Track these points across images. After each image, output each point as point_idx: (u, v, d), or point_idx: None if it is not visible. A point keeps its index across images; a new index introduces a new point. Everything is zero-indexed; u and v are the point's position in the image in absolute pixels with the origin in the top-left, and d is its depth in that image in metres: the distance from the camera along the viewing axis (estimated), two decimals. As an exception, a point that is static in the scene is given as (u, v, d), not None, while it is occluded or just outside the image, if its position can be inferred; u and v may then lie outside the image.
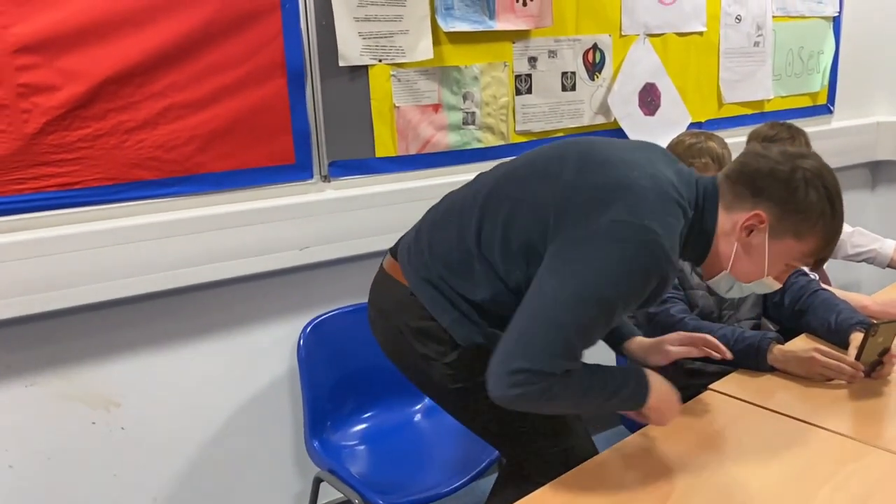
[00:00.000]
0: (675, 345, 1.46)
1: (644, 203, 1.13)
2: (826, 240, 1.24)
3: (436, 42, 2.02)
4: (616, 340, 1.52)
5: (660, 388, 1.25)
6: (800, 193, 1.20)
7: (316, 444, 1.80)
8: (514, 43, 2.18)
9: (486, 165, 2.13)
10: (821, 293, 1.75)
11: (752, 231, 1.22)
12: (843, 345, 1.59)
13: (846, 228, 2.17)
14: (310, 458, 1.82)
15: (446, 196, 1.43)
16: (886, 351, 1.51)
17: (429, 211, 1.44)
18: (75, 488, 1.73)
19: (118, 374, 1.75)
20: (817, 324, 1.70)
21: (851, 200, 2.08)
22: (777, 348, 1.55)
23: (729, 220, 1.24)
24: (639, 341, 1.50)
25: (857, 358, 1.50)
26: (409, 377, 1.43)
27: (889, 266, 2.21)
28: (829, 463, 1.22)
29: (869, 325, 1.56)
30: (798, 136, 2.09)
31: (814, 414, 1.35)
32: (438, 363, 1.31)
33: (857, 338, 1.56)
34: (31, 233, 1.57)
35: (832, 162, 2.45)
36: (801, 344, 1.66)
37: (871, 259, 2.21)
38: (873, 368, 1.51)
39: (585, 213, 1.14)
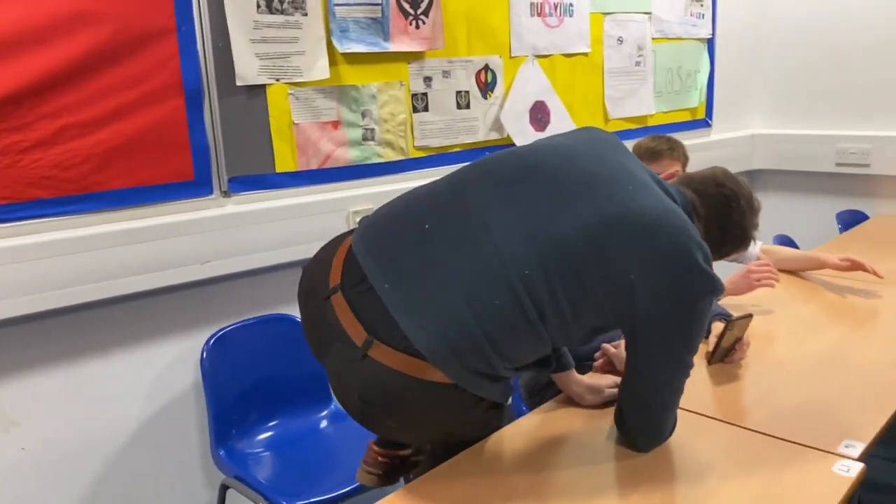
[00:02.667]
0: (612, 388, 1.51)
1: (703, 258, 1.23)
2: None
3: (333, 62, 2.12)
4: (556, 367, 1.49)
5: None
6: (749, 241, 1.43)
7: (221, 452, 1.84)
8: (409, 63, 2.30)
9: (388, 179, 2.29)
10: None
11: None
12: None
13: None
14: (216, 466, 1.87)
15: (431, 248, 1.20)
16: (739, 340, 1.70)
17: (415, 266, 1.19)
18: (-27, 511, 1.72)
19: (17, 393, 1.74)
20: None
21: None
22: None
23: None
24: (576, 378, 1.51)
25: (716, 345, 1.68)
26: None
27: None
28: (686, 439, 1.37)
29: (728, 318, 1.75)
30: (677, 147, 2.28)
31: (697, 401, 1.50)
32: (463, 422, 1.30)
33: (717, 327, 1.75)
34: (-78, 254, 1.56)
35: None
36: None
37: (740, 259, 2.43)
38: (727, 354, 1.70)
39: (672, 303, 1.22)
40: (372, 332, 1.16)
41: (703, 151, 3.04)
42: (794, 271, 2.38)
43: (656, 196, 1.26)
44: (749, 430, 1.40)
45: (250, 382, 1.97)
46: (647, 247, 1.20)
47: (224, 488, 1.83)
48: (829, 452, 1.29)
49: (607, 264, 1.19)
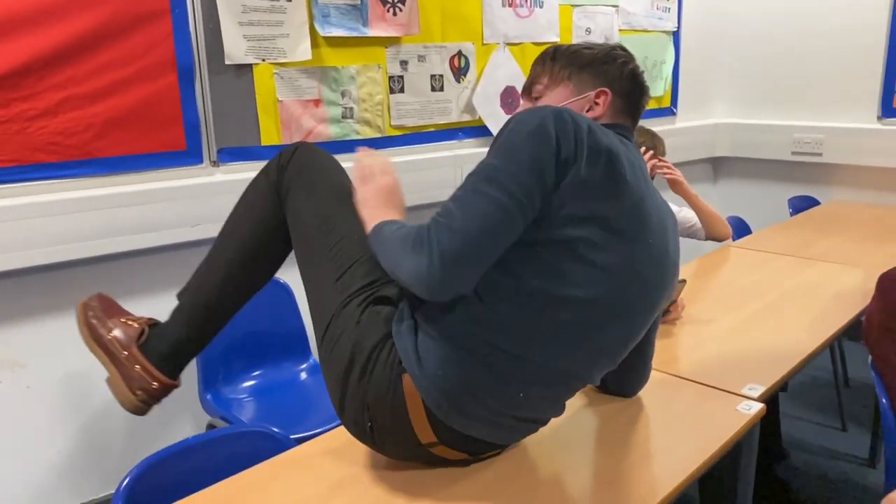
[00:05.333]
0: None
1: None
2: None
3: (315, 45, 2.29)
4: None
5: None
6: None
7: (208, 396, 2.03)
8: (386, 48, 2.48)
9: (365, 155, 2.45)
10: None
11: None
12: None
13: (675, 207, 2.58)
14: (203, 409, 2.05)
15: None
16: (673, 302, 1.90)
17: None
18: (-19, 445, 1.90)
19: (23, 338, 1.92)
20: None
21: (698, 191, 2.55)
22: None
23: None
24: None
25: (654, 307, 1.88)
26: None
27: (708, 239, 2.62)
28: (653, 398, 1.54)
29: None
30: (658, 141, 2.48)
31: None
32: None
33: (656, 292, 1.95)
34: (-61, 209, 1.74)
35: (678, 157, 2.90)
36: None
37: (694, 232, 2.60)
38: (664, 314, 1.90)
39: None
40: (477, 455, 1.22)
41: (668, 138, 3.20)
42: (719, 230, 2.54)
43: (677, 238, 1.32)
44: (672, 375, 1.59)
45: (236, 336, 2.14)
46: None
47: (210, 427, 2.02)
48: (734, 394, 1.49)
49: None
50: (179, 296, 1.46)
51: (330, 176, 1.35)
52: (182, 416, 2.23)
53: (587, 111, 1.28)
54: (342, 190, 1.33)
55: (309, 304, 1.27)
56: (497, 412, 1.14)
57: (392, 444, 1.17)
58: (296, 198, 1.33)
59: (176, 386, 1.41)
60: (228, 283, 1.42)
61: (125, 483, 1.19)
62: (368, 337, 1.14)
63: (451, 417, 1.12)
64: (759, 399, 1.46)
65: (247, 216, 1.40)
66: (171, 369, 1.40)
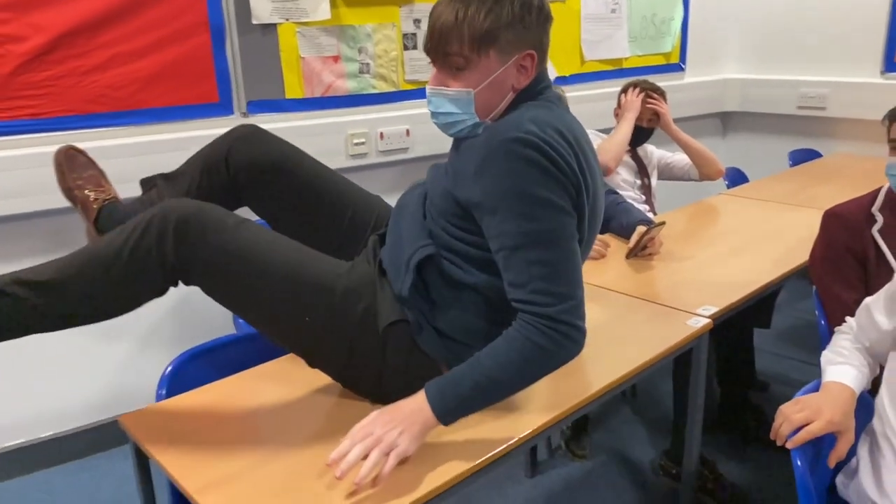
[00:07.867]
0: None
1: None
2: None
3: (334, 5, 2.50)
4: None
5: None
6: None
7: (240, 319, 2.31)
8: (400, 7, 2.68)
9: (381, 108, 2.69)
10: (622, 204, 2.33)
11: None
12: (630, 237, 2.17)
13: (666, 153, 2.75)
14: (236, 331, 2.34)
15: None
16: (651, 238, 2.11)
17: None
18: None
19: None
20: (615, 224, 2.29)
21: (707, 145, 2.71)
22: None
23: None
24: None
25: (636, 243, 2.08)
26: None
27: (703, 179, 2.78)
28: (596, 306, 1.78)
29: (648, 223, 2.16)
30: (661, 93, 2.65)
31: (607, 281, 1.91)
32: None
33: (640, 230, 2.15)
34: (7, 152, 2.02)
35: (687, 111, 2.98)
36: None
37: (687, 172, 2.75)
38: (642, 250, 2.11)
39: None
40: None
41: (677, 94, 3.37)
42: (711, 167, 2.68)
43: None
44: (636, 297, 1.81)
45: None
46: None
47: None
48: (689, 312, 1.70)
49: None
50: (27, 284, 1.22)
51: (247, 249, 1.24)
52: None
53: (518, 77, 1.20)
54: (269, 254, 1.25)
55: (302, 350, 1.35)
56: None
57: None
58: (228, 291, 1.28)
59: None
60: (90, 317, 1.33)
61: (168, 370, 1.47)
62: (399, 355, 1.27)
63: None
64: (710, 317, 1.68)
65: (131, 283, 1.27)
66: None
